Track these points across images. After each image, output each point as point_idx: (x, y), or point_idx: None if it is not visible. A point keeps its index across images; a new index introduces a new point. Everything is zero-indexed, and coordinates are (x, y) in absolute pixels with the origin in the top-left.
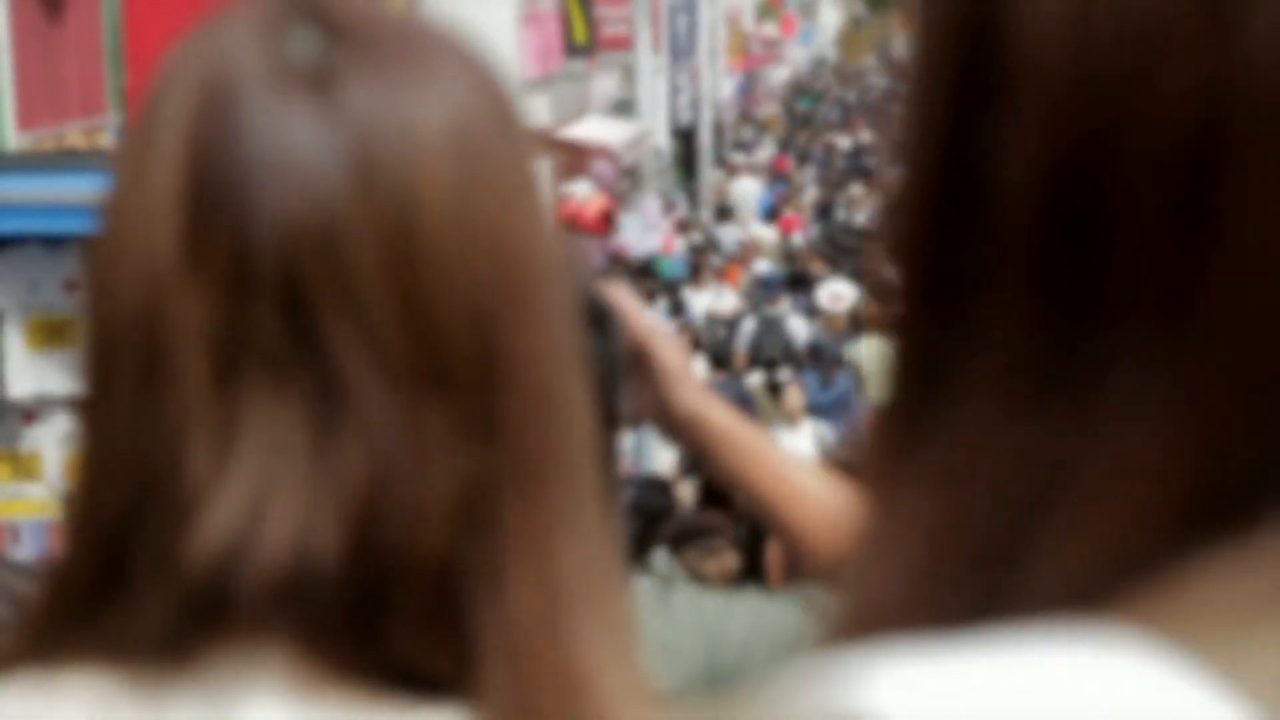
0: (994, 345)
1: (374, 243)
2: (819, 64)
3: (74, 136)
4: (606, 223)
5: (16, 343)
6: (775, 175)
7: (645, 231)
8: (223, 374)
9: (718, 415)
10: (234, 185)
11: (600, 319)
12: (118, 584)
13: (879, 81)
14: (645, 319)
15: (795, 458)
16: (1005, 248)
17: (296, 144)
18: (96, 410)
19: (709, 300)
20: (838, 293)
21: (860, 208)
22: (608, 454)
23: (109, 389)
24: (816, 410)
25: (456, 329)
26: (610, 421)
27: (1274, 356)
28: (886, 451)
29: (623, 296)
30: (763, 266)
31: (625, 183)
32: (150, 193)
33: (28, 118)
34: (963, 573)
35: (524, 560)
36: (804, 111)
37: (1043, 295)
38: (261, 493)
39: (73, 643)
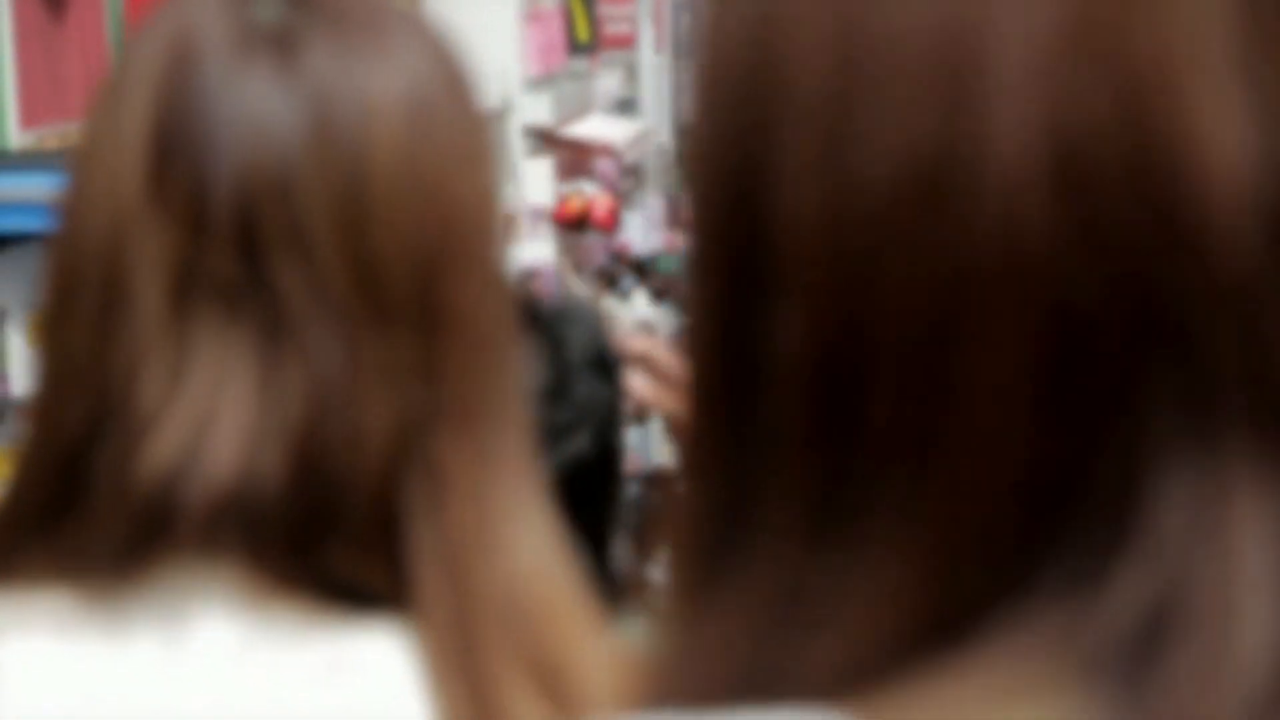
0: (780, 495)
1: (324, 192)
2: None
3: (77, 135)
4: (614, 220)
5: (18, 341)
6: None
7: (649, 230)
8: (177, 304)
9: None
10: (196, 133)
11: (607, 367)
12: (74, 502)
13: None
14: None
15: None
16: (784, 415)
17: (256, 98)
18: (57, 333)
19: None
20: None
21: None
22: (612, 462)
23: (70, 313)
24: None
25: (399, 276)
26: (611, 459)
27: (997, 506)
28: (692, 579)
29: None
30: None
31: (628, 181)
32: (119, 136)
33: (30, 116)
34: (746, 676)
35: (458, 485)
36: None
37: (817, 454)
38: (209, 416)
39: (29, 559)
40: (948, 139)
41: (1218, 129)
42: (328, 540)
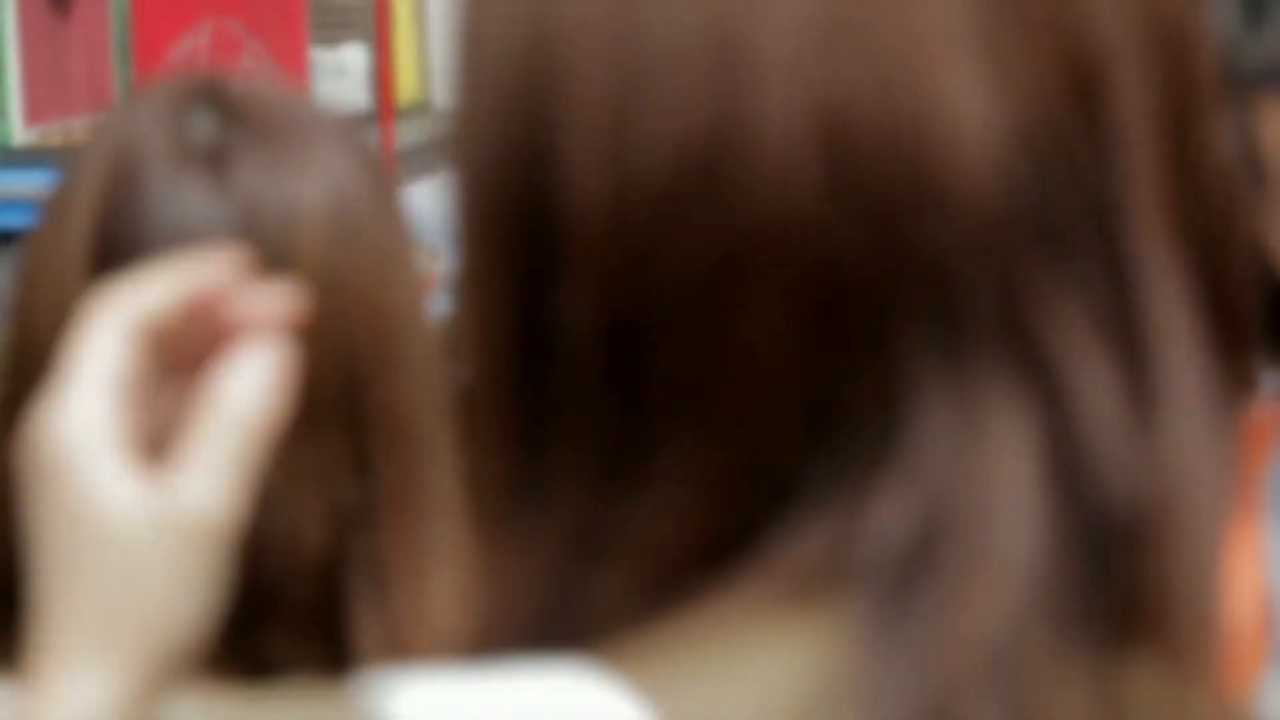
0: (574, 448)
1: None
2: None
3: (81, 131)
4: None
5: None
6: None
7: None
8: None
9: None
10: (135, 241)
11: None
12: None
13: None
14: None
15: None
16: (577, 377)
17: (191, 212)
18: (7, 412)
19: None
20: None
21: None
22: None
23: (23, 395)
24: None
25: (328, 378)
26: None
27: (772, 441)
28: (491, 532)
29: None
30: None
31: None
32: (65, 243)
33: (35, 112)
34: (545, 614)
35: (400, 573)
36: None
37: (608, 410)
38: None
39: None
40: (722, 120)
41: (963, 100)
42: (265, 627)
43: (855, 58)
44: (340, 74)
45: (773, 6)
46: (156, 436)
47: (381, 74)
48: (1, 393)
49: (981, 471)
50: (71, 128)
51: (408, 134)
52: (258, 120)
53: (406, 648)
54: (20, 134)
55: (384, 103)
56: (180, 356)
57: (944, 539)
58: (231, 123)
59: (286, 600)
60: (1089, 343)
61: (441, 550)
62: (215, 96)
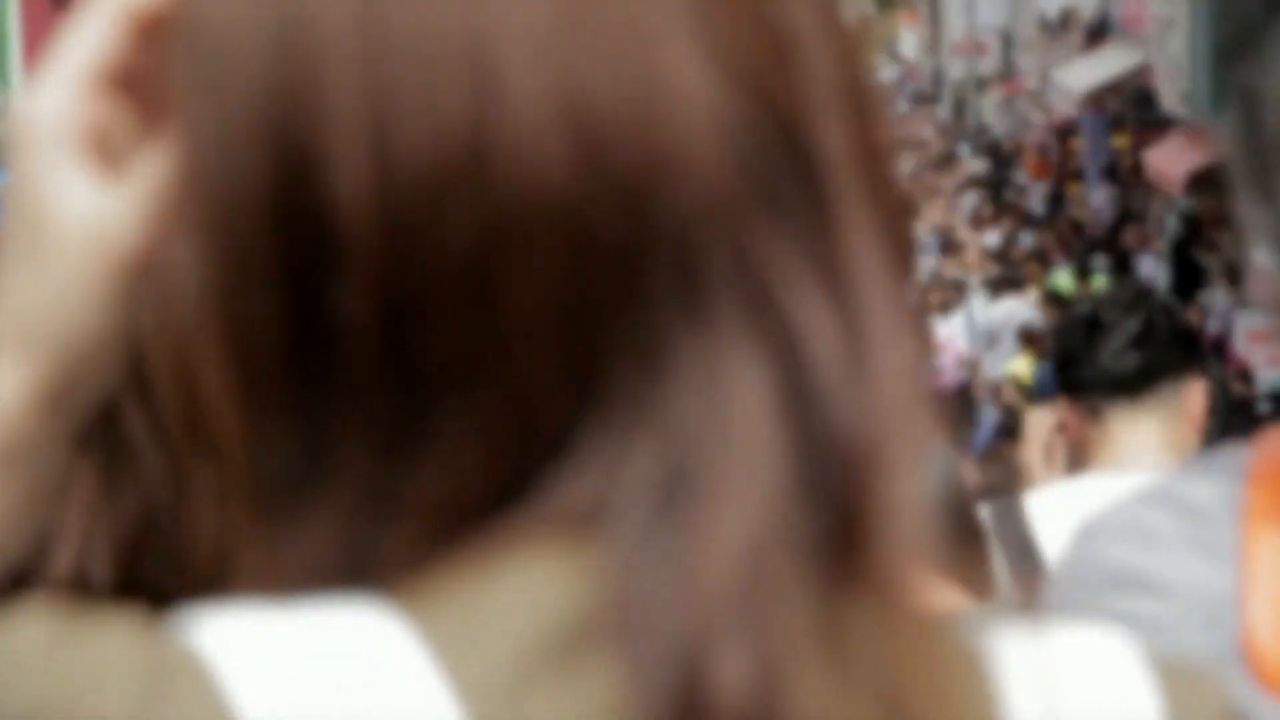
0: (358, 425)
1: (165, 350)
2: None
3: None
4: None
5: None
6: None
7: None
8: None
9: None
10: None
11: None
12: None
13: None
14: None
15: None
16: (355, 363)
17: None
18: None
19: None
20: None
21: None
22: None
23: None
24: None
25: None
26: None
27: (539, 401)
28: (270, 517)
29: None
30: None
31: None
32: None
33: None
34: (330, 570)
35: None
36: None
37: (389, 388)
38: (56, 525)
39: None
40: (475, 113)
41: (687, 80)
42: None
43: (590, 49)
44: None
45: (515, 6)
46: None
47: None
48: None
49: (724, 415)
50: None
51: None
52: None
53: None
54: None
55: None
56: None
57: (692, 479)
58: None
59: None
60: (810, 292)
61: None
62: None
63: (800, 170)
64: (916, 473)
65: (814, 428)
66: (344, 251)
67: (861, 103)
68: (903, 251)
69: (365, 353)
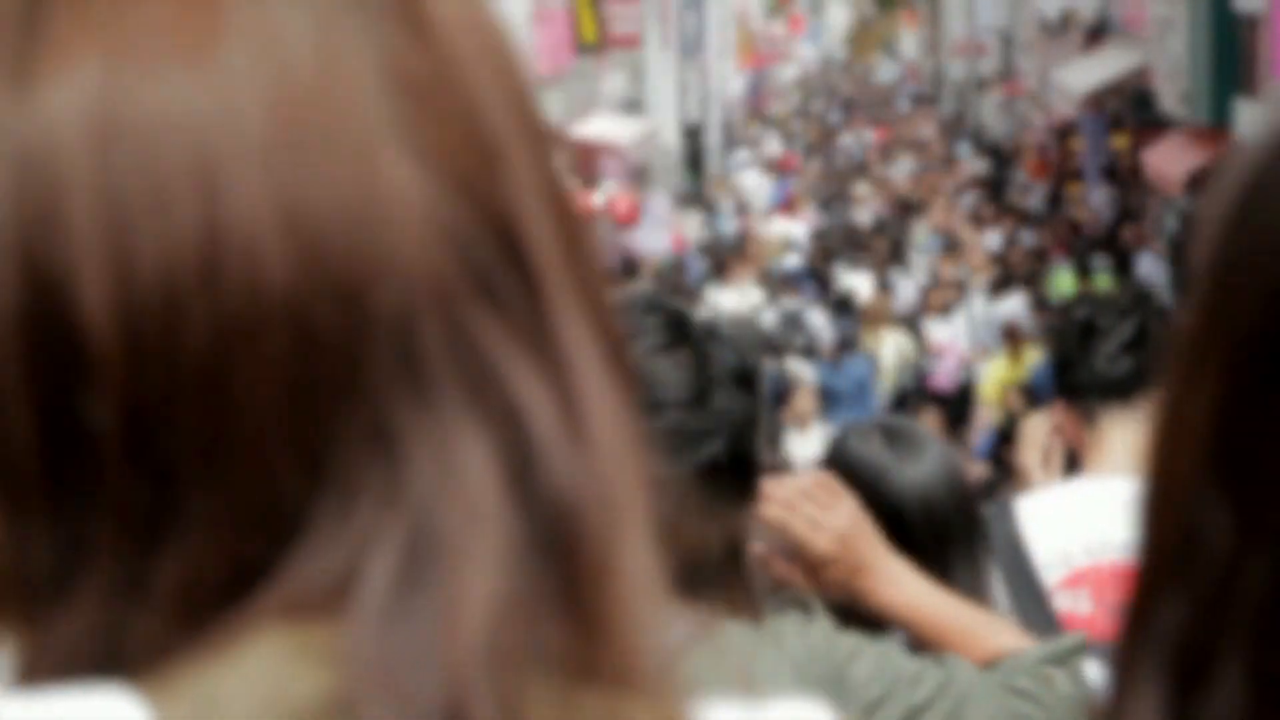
0: (112, 526)
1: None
2: (827, 62)
3: None
4: (636, 214)
5: None
6: (782, 170)
7: (654, 229)
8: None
9: (921, 613)
10: None
11: (749, 381)
12: None
13: (886, 77)
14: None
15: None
16: (106, 465)
17: None
18: None
19: (735, 299)
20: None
21: (862, 204)
22: (746, 468)
23: None
24: (828, 395)
25: None
26: (745, 465)
27: (273, 491)
28: (32, 607)
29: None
30: (792, 260)
31: (634, 180)
32: None
33: None
34: (82, 660)
35: None
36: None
37: (137, 489)
38: None
39: None
40: (203, 228)
41: (399, 183)
42: None
43: (308, 159)
44: None
45: (237, 121)
46: None
47: None
48: None
49: (456, 485)
50: None
51: None
52: None
53: None
54: None
55: None
56: None
57: (433, 544)
58: None
59: None
60: (528, 369)
61: None
62: None
63: (512, 261)
64: (642, 526)
65: (539, 491)
66: (90, 362)
67: (562, 198)
68: (610, 329)
69: (114, 453)
